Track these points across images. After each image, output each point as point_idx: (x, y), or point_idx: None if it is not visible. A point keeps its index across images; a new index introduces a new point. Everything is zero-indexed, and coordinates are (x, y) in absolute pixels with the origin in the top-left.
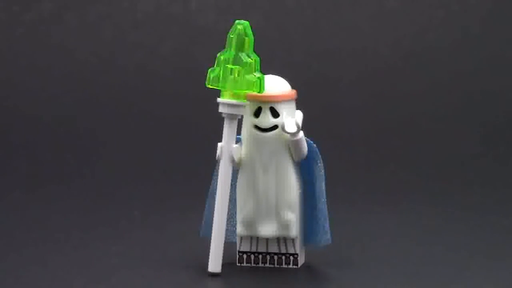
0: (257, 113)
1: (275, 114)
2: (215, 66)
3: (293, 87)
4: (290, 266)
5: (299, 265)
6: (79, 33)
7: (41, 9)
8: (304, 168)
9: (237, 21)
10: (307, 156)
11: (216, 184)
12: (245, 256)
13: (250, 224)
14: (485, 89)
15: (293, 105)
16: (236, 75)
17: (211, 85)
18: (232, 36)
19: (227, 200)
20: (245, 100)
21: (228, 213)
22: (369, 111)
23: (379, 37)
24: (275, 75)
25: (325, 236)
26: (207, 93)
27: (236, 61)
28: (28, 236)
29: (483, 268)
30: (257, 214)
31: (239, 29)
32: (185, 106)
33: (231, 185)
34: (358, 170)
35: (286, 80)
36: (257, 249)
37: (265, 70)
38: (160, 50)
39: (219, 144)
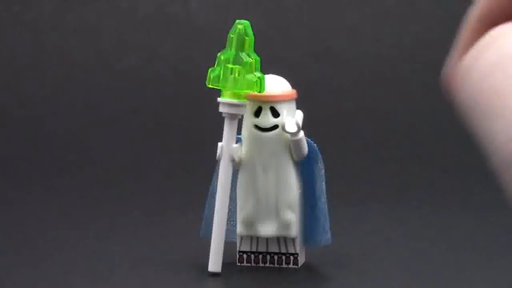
0: (257, 112)
1: (276, 114)
2: (215, 66)
3: (293, 87)
4: (290, 266)
5: (299, 265)
6: (79, 33)
7: (41, 9)
8: (304, 168)
9: (237, 21)
10: (307, 156)
11: (216, 184)
12: (245, 255)
13: (250, 223)
14: None
15: (293, 105)
16: (237, 74)
17: (211, 85)
18: (232, 35)
19: (227, 200)
20: (246, 100)
21: (228, 213)
22: (369, 111)
23: (380, 37)
24: (276, 74)
25: (325, 236)
26: (208, 93)
27: (237, 60)
28: (28, 235)
29: (483, 268)
30: (257, 214)
31: (240, 28)
32: (185, 106)
33: (231, 185)
34: (358, 170)
35: (287, 80)
36: (257, 248)
37: (265, 69)
38: (160, 50)
39: (220, 143)
